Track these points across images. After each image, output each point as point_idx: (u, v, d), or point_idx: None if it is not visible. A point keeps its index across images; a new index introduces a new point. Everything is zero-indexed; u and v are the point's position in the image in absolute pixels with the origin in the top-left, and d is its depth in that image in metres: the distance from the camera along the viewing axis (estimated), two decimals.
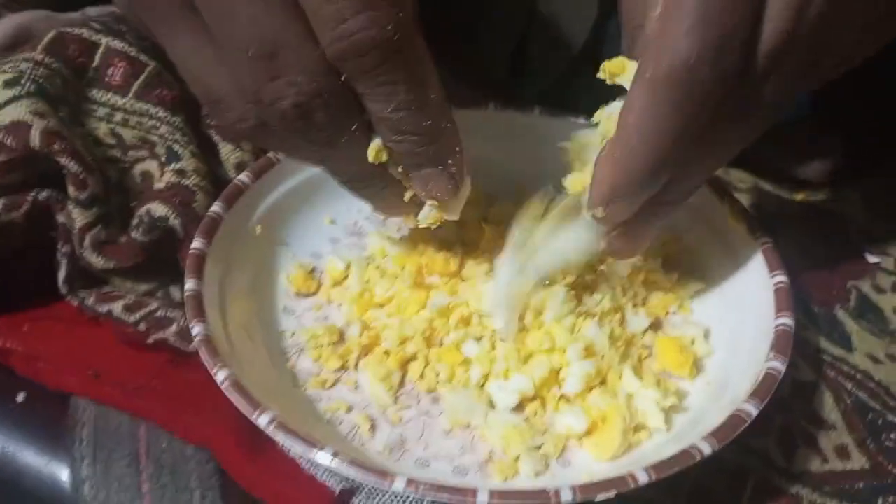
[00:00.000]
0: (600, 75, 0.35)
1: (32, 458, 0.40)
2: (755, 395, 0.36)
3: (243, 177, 0.44)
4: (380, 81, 0.32)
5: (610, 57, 0.35)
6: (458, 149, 0.36)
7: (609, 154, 0.34)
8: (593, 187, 0.35)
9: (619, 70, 0.35)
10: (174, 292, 0.44)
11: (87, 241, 0.41)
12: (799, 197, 0.53)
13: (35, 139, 0.40)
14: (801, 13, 0.30)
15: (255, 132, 0.34)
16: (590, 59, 0.49)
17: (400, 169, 0.36)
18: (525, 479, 0.37)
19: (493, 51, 0.57)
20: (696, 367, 0.42)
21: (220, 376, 0.35)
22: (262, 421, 0.33)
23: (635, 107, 0.32)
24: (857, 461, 0.39)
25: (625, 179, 0.33)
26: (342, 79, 0.32)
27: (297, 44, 0.31)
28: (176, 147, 0.44)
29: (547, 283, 0.41)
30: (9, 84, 0.41)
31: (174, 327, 0.41)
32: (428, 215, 0.39)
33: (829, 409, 0.41)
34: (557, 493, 0.32)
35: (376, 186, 0.38)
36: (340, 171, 0.37)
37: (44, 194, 0.41)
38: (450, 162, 0.36)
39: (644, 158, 0.32)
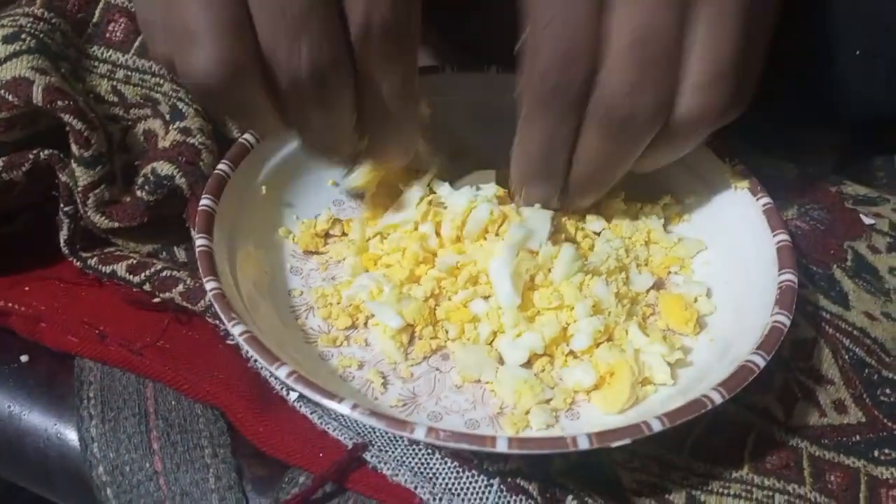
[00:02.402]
0: None
1: (38, 419, 0.40)
2: (762, 347, 0.37)
3: (248, 136, 0.44)
4: (390, 60, 0.35)
5: None
6: (416, 128, 0.41)
7: (514, 148, 0.41)
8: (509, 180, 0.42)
9: None
10: (178, 253, 0.43)
11: (90, 201, 0.41)
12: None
13: (37, 95, 0.39)
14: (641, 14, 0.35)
15: (224, 83, 0.33)
16: None
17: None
18: (536, 432, 0.37)
19: (495, 31, 0.57)
20: (700, 324, 0.42)
21: (237, 330, 0.35)
22: (281, 373, 0.33)
23: (524, 104, 0.39)
24: (854, 415, 0.40)
25: (522, 169, 0.41)
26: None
27: (327, 11, 0.32)
28: (180, 105, 0.43)
29: (549, 242, 0.42)
30: (8, 39, 0.40)
31: (180, 287, 0.41)
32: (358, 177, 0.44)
33: (828, 365, 0.42)
34: (574, 439, 0.32)
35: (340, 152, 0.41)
36: (317, 139, 0.39)
37: (45, 153, 0.41)
38: (410, 139, 0.41)
39: (529, 149, 0.40)
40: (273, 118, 0.36)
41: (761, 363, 0.36)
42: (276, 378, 0.37)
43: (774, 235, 0.42)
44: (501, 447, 0.32)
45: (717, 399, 0.34)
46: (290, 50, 0.32)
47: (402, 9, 0.34)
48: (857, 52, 0.48)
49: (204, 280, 0.37)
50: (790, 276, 0.40)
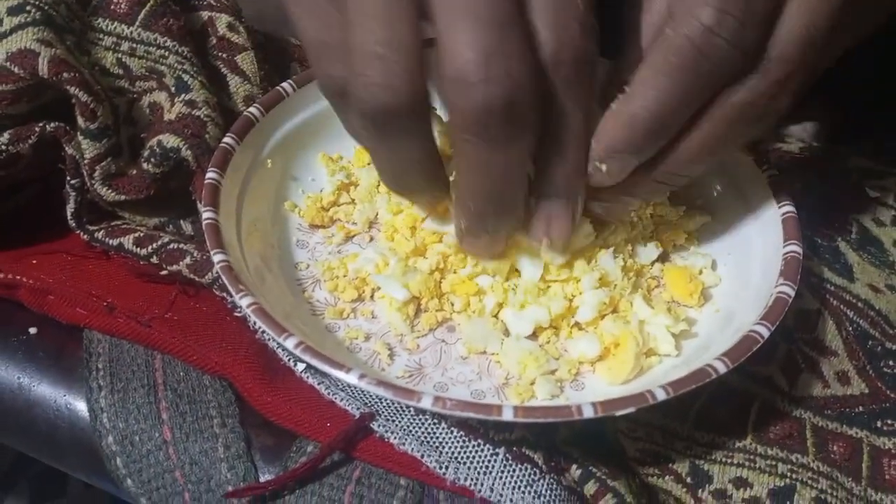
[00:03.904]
0: None
1: (47, 390, 0.40)
2: (766, 317, 0.37)
3: (253, 110, 0.43)
4: (581, 93, 0.32)
5: (611, 37, 0.36)
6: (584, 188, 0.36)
7: (613, 112, 0.34)
8: (593, 144, 0.35)
9: None
10: (185, 226, 0.44)
11: (97, 174, 0.41)
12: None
13: (43, 67, 0.39)
14: (817, 17, 0.32)
15: (403, 106, 0.30)
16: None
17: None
18: (541, 401, 0.37)
19: None
20: (704, 296, 0.42)
21: (245, 302, 0.35)
22: (289, 344, 0.34)
23: (650, 64, 0.33)
24: (857, 387, 0.41)
25: (625, 134, 0.34)
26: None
27: (520, 26, 0.30)
28: (185, 77, 0.43)
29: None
30: (13, 11, 0.40)
31: (187, 259, 0.41)
32: None
33: (832, 336, 0.42)
34: (579, 408, 0.32)
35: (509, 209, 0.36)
36: (492, 194, 0.34)
37: (52, 125, 0.41)
38: (578, 199, 0.36)
39: (648, 114, 0.33)
40: (438, 176, 0.34)
41: (765, 333, 0.36)
42: (283, 349, 0.38)
43: (780, 207, 0.42)
44: (507, 416, 0.32)
45: (721, 369, 0.34)
46: (485, 69, 0.29)
47: (591, 33, 0.31)
48: None
49: (211, 252, 0.37)
50: (795, 248, 0.40)
